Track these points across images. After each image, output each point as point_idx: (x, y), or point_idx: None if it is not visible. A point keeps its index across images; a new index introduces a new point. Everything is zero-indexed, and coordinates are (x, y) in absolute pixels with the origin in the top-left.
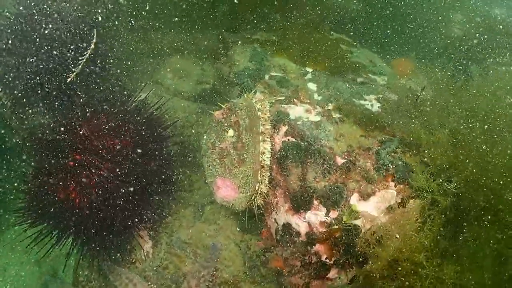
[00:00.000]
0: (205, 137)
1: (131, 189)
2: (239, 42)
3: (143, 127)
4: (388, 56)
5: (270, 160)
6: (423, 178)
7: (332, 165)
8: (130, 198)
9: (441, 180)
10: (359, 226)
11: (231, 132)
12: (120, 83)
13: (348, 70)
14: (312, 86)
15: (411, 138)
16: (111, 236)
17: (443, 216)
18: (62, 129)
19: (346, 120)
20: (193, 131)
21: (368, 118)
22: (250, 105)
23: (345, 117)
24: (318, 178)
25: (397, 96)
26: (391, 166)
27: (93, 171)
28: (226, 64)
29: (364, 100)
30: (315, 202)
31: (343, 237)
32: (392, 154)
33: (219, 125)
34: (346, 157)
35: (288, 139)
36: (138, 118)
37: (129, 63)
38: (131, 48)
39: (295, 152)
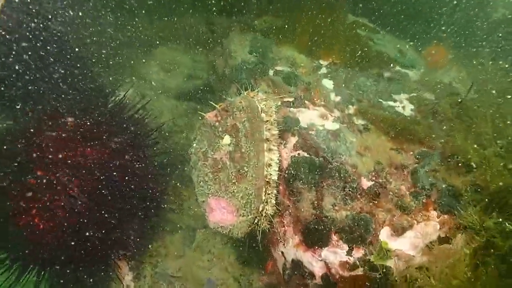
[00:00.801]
0: (194, 145)
1: (107, 210)
2: (237, 29)
3: (122, 134)
4: (419, 44)
5: (278, 175)
6: (474, 213)
7: (356, 188)
8: (106, 221)
9: (500, 220)
10: (391, 269)
11: (227, 139)
12: (94, 78)
13: (371, 63)
14: (327, 83)
15: (457, 153)
16: (84, 267)
17: (502, 264)
18: (19, 138)
19: (372, 129)
20: (183, 135)
21: (400, 125)
22: (251, 105)
23: (370, 124)
24: (338, 205)
25: (434, 96)
26: (433, 190)
27: (60, 190)
28: (220, 55)
29: (393, 101)
30: (334, 237)
31: (370, 283)
32: (433, 173)
33: (212, 130)
34: (373, 178)
35: (299, 154)
36: (116, 122)
37: (106, 54)
38: (109, 36)
39: (307, 170)
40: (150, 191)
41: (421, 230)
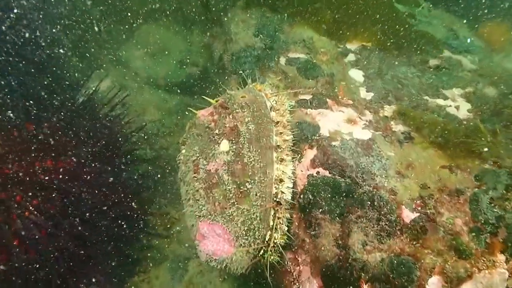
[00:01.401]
0: (183, 151)
1: (73, 237)
2: (239, 3)
3: (94, 139)
4: (476, 21)
5: (292, 194)
6: None
7: (395, 222)
8: (73, 251)
9: None
10: None
11: (225, 145)
12: (59, 65)
13: (413, 47)
14: (356, 75)
15: None
16: None
17: None
18: None
19: (416, 138)
20: (173, 139)
21: (453, 132)
22: (258, 101)
23: (414, 132)
24: (370, 244)
25: (497, 91)
26: (500, 226)
27: (14, 213)
28: (218, 38)
29: (443, 99)
30: (365, 287)
31: None
32: (500, 202)
33: (206, 132)
34: (418, 208)
35: (318, 173)
36: (87, 124)
37: (75, 34)
38: (82, 12)
39: (329, 195)
40: (129, 211)
41: (484, 281)
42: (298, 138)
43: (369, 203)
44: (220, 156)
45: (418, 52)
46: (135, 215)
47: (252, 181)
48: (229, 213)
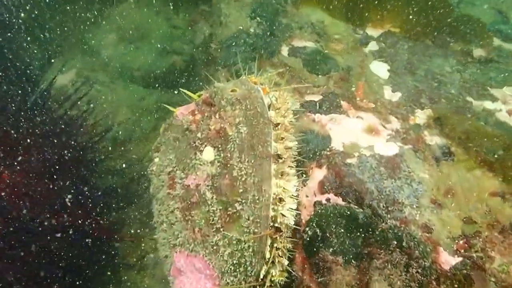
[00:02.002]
0: (156, 160)
1: (20, 271)
2: None
3: (49, 146)
4: None
5: (294, 220)
6: None
7: (430, 269)
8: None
9: None
10: None
11: (209, 153)
12: (14, 53)
13: (453, 33)
14: (379, 68)
15: None
16: None
17: None
18: None
19: (459, 154)
20: (146, 147)
21: (507, 147)
22: (253, 96)
23: (455, 145)
24: None
25: None
26: None
27: None
28: (206, 20)
29: (492, 101)
30: None
31: None
32: None
33: (184, 136)
34: (461, 250)
35: (328, 200)
36: (41, 127)
37: (36, 14)
38: None
39: (343, 230)
40: (92, 236)
41: None
42: (303, 154)
43: (395, 242)
44: (202, 168)
45: (459, 40)
46: (100, 242)
47: (243, 201)
48: (212, 242)
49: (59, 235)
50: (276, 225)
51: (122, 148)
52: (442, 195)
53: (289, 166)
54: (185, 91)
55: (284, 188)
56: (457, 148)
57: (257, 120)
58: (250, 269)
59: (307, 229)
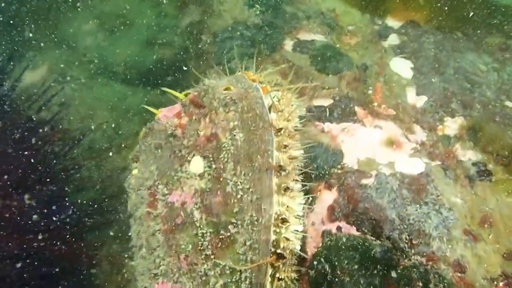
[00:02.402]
0: (134, 172)
1: None
2: None
3: (13, 153)
4: None
5: (300, 245)
6: None
7: None
8: None
9: None
10: None
11: (197, 165)
12: None
13: (487, 24)
14: (401, 66)
15: None
16: None
17: None
18: None
19: (498, 172)
20: (128, 155)
21: None
22: (250, 95)
23: (493, 162)
24: None
25: None
26: None
27: None
28: (198, 9)
29: None
30: None
31: None
32: None
33: (168, 144)
34: None
35: (339, 229)
36: (4, 129)
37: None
38: None
39: (356, 267)
40: (61, 262)
41: None
42: (310, 172)
43: (421, 284)
44: (189, 182)
45: (495, 32)
46: (72, 270)
47: (238, 223)
48: (201, 272)
49: (19, 265)
50: (278, 251)
51: (100, 157)
52: (477, 224)
53: (293, 180)
54: (168, 90)
55: (287, 206)
56: (495, 166)
57: (255, 125)
58: None
59: (314, 264)
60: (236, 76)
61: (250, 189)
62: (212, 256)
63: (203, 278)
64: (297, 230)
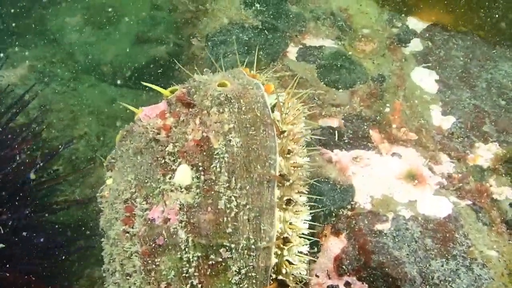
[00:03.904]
0: (108, 182)
1: None
2: None
3: None
4: None
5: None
6: None
7: None
8: None
9: None
10: None
11: (184, 175)
12: None
13: None
14: (425, 78)
15: None
16: None
17: None
18: None
19: None
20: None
21: None
22: (250, 93)
23: None
24: None
25: None
26: None
27: None
28: (191, 6)
29: None
30: None
31: None
32: None
33: (150, 149)
34: None
35: (348, 284)
36: None
37: None
38: None
39: None
40: None
41: None
42: (314, 212)
43: None
44: (173, 195)
45: None
46: None
47: (232, 246)
48: None
49: None
50: (279, 277)
51: (82, 170)
52: None
53: (298, 192)
54: (151, 85)
55: (290, 223)
56: None
57: (255, 128)
58: None
59: None
60: (233, 71)
61: (247, 206)
62: (200, 286)
63: None
64: (301, 252)
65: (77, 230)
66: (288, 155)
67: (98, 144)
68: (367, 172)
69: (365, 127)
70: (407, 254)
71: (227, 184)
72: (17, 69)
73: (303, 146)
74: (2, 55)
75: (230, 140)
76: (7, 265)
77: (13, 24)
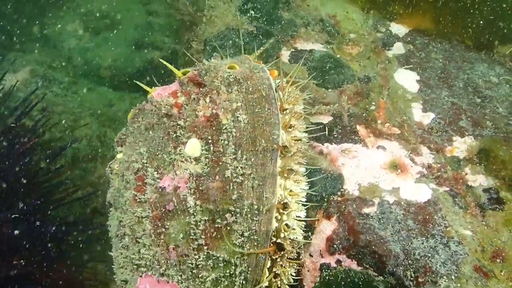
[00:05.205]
0: (118, 156)
1: None
2: None
3: None
4: None
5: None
6: None
7: None
8: None
9: None
10: None
11: (194, 147)
12: None
13: (498, 32)
14: (407, 79)
15: None
16: None
17: None
18: None
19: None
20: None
21: None
22: (256, 76)
23: (505, 190)
24: None
25: None
26: None
27: None
28: (189, 11)
29: None
30: None
31: None
32: None
33: (161, 125)
34: None
35: (339, 262)
36: None
37: None
38: None
39: None
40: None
41: None
42: (309, 200)
43: None
44: (183, 165)
45: (508, 40)
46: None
47: (237, 211)
48: (192, 264)
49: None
50: (278, 240)
51: (86, 169)
52: (488, 259)
53: (298, 163)
54: (167, 63)
55: (290, 190)
56: (507, 193)
57: (261, 107)
58: None
59: None
60: (240, 58)
61: (252, 175)
62: (205, 247)
63: (194, 271)
64: (298, 217)
65: (82, 223)
66: (289, 129)
67: (99, 143)
68: (355, 163)
69: (352, 124)
70: (391, 234)
71: (234, 156)
72: (19, 73)
73: (302, 124)
74: (5, 60)
75: (238, 117)
76: (22, 252)
77: (14, 30)
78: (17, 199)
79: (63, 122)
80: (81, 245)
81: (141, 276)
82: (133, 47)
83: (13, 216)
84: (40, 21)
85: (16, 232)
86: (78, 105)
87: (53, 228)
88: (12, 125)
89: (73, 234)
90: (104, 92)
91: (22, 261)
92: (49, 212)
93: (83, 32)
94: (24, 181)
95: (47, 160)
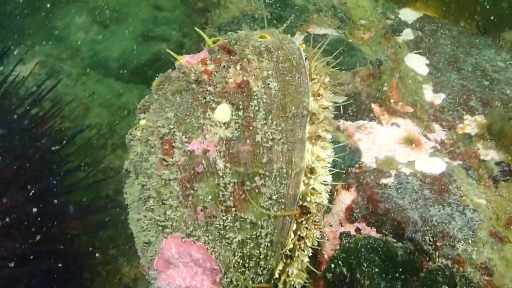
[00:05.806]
0: (142, 122)
1: None
2: None
3: (3, 152)
4: None
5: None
6: None
7: None
8: None
9: None
10: None
11: (224, 112)
12: None
13: (504, 19)
14: (417, 62)
15: None
16: None
17: None
18: None
19: None
20: (123, 155)
21: None
22: (286, 47)
23: None
24: None
25: None
26: None
27: None
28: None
29: None
30: None
31: None
32: None
33: (190, 91)
34: None
35: (358, 230)
36: None
37: None
38: None
39: (377, 270)
40: (53, 271)
41: None
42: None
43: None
44: (213, 130)
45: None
46: (66, 272)
47: (266, 174)
48: (219, 225)
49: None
50: (305, 204)
51: (94, 156)
52: (503, 226)
53: (324, 130)
54: (199, 30)
55: (317, 156)
56: None
57: (291, 75)
58: (264, 264)
59: (331, 267)
60: (269, 30)
61: (281, 140)
62: (233, 209)
63: (221, 232)
64: (325, 182)
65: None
66: (318, 97)
67: (108, 133)
68: (371, 139)
69: (367, 103)
70: (409, 202)
71: (264, 121)
72: (28, 65)
73: (329, 93)
74: (15, 52)
75: (268, 84)
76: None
77: (23, 23)
78: (34, 181)
79: (74, 111)
80: (95, 229)
81: (166, 238)
82: (140, 40)
83: (31, 193)
84: (48, 14)
85: (34, 209)
86: (87, 95)
87: (70, 208)
88: (23, 112)
89: (88, 217)
90: (113, 83)
91: (38, 236)
92: (64, 194)
93: (90, 25)
94: (38, 164)
95: (59, 146)
